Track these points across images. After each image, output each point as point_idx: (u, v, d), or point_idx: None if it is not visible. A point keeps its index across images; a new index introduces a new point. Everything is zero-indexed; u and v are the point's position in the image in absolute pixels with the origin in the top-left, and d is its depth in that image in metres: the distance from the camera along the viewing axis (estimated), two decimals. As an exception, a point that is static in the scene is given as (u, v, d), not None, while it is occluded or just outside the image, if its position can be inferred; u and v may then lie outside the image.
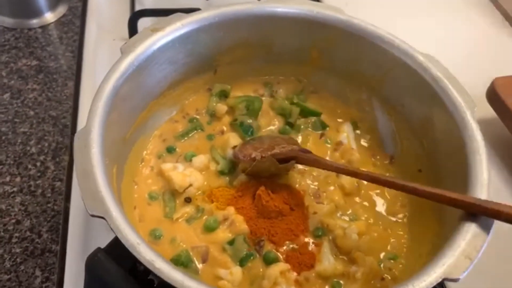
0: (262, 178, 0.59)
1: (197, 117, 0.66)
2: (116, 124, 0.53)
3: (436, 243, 0.51)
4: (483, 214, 0.44)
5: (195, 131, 0.64)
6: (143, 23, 0.79)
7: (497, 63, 0.89)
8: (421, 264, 0.49)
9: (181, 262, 0.51)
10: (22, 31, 0.91)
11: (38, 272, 0.62)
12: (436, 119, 0.57)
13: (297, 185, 0.60)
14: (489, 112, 0.76)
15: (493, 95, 0.75)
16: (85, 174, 0.44)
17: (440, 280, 0.41)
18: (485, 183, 0.47)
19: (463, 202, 0.45)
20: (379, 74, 0.63)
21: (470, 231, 0.44)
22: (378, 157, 0.64)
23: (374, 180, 0.53)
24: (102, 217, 0.41)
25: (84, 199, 0.42)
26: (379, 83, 0.64)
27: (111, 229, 0.41)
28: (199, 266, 0.52)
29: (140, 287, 0.42)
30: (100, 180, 0.44)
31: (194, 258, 0.52)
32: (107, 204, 0.42)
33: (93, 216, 0.42)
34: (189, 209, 0.57)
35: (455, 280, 0.41)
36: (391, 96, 0.64)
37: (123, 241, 0.40)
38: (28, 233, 0.65)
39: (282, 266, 0.52)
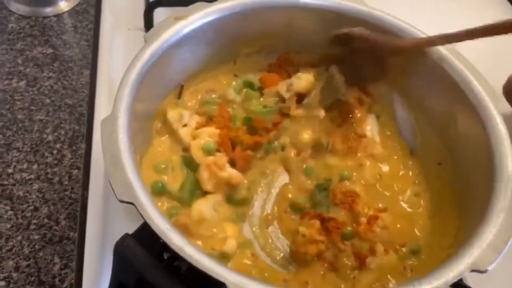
0: None
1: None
2: (139, 112, 0.53)
3: (458, 236, 0.51)
4: None
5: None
6: (159, 12, 0.79)
7: (513, 59, 0.89)
8: (444, 256, 0.50)
9: None
10: (37, 19, 0.91)
11: (56, 259, 0.62)
12: (458, 112, 0.57)
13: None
14: (505, 108, 0.76)
15: (510, 91, 0.75)
16: (113, 161, 0.44)
17: (468, 271, 0.41)
18: None
19: None
20: (400, 66, 0.63)
21: (497, 224, 0.44)
22: (397, 149, 0.64)
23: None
24: (131, 203, 0.41)
25: (113, 185, 0.42)
26: (400, 76, 0.63)
27: (141, 215, 0.41)
28: None
29: (168, 272, 0.42)
30: (128, 166, 0.44)
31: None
32: (135, 190, 0.42)
33: (122, 202, 0.42)
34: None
35: (482, 272, 0.41)
36: (411, 89, 0.64)
37: (153, 227, 0.40)
38: (46, 220, 0.65)
39: None
